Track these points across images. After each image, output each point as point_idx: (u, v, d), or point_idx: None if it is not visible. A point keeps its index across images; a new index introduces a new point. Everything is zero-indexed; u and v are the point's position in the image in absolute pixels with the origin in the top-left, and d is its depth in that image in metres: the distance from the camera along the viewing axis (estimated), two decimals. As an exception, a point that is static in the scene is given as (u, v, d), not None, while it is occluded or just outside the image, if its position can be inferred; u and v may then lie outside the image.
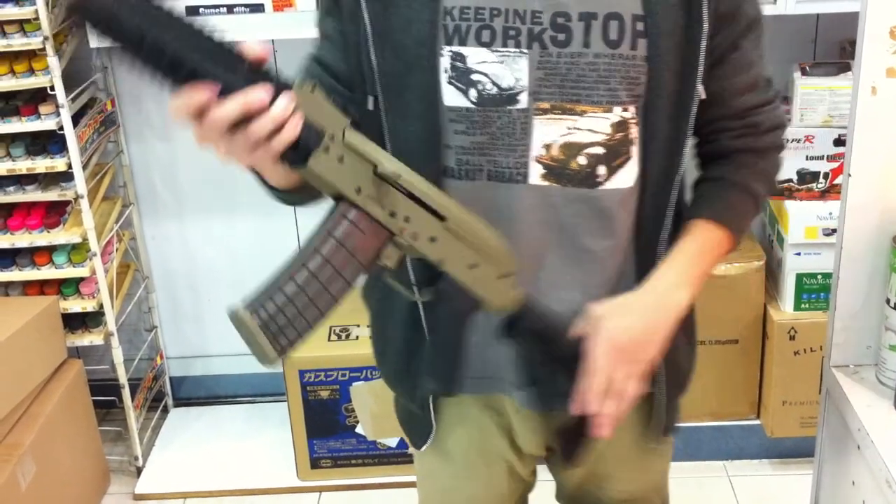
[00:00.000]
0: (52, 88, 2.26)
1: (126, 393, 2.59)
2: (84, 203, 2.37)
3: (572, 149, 1.13)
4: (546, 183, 1.14)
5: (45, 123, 2.31)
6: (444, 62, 1.11)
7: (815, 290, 2.48)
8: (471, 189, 1.15)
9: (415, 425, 1.35)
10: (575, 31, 1.10)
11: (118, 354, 2.55)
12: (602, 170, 1.14)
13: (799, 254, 2.46)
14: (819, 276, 2.45)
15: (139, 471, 2.69)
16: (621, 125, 1.13)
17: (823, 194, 2.46)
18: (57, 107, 2.30)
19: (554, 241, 1.17)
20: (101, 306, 2.49)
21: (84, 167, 2.38)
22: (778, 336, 2.49)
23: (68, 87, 2.30)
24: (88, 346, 2.57)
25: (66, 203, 2.45)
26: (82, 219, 2.40)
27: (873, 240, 1.38)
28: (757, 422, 2.65)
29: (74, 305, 2.48)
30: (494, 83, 1.12)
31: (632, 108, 1.13)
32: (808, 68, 2.42)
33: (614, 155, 1.14)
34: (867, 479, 1.33)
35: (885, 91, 1.31)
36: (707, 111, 1.18)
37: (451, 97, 1.13)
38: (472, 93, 1.12)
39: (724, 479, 2.63)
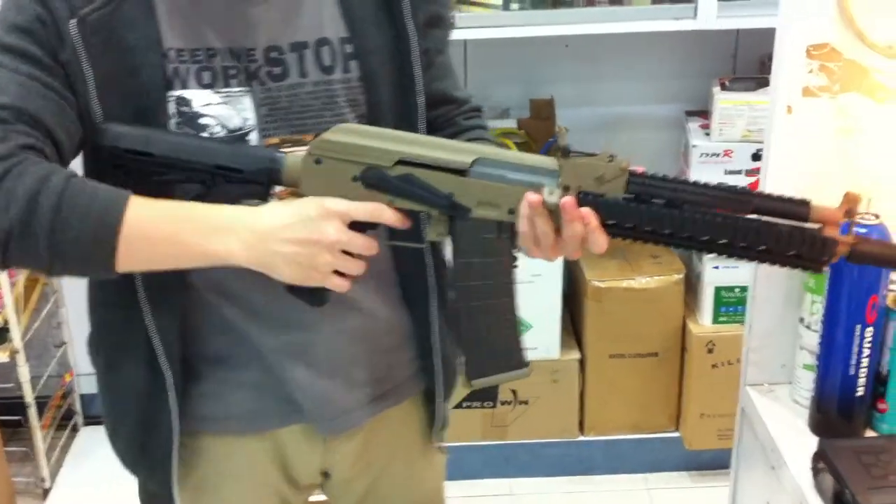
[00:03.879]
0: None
1: (33, 412, 2.50)
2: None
3: None
4: None
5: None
6: (171, 107, 1.07)
7: (733, 304, 2.50)
8: None
9: None
10: (289, 63, 1.11)
11: (24, 372, 2.45)
12: None
13: (717, 267, 2.47)
14: (737, 290, 2.47)
15: (46, 492, 2.60)
16: None
17: (741, 208, 2.48)
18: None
19: None
20: (7, 322, 2.40)
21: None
22: (696, 349, 2.50)
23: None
24: (-7, 363, 2.47)
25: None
26: (-14, 230, 2.30)
27: (788, 258, 1.38)
28: (676, 434, 2.67)
29: (-22, 322, 2.38)
30: (223, 125, 1.09)
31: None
32: (727, 83, 2.44)
33: None
34: (781, 499, 1.33)
35: (800, 110, 1.31)
36: (435, 111, 1.21)
37: None
38: (204, 137, 1.09)
39: (643, 492, 2.64)
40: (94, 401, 2.87)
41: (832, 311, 1.27)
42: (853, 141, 1.32)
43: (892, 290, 1.28)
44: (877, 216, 1.24)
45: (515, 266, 1.07)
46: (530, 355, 2.69)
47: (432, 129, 1.22)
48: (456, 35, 2.21)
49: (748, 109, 2.37)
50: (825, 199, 1.31)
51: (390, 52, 1.14)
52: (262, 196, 1.07)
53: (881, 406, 1.30)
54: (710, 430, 2.57)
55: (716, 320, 2.51)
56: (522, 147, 2.46)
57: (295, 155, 1.06)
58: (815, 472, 1.22)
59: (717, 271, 2.48)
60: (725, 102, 2.40)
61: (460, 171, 1.03)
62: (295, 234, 1.00)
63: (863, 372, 1.27)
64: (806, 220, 0.99)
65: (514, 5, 2.29)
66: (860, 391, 1.28)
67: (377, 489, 1.34)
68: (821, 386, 1.31)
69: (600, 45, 2.51)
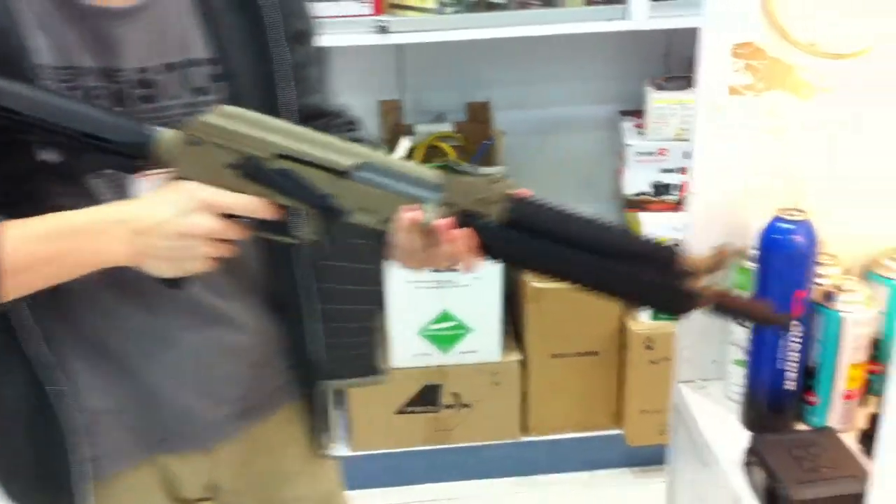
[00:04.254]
0: None
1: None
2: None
3: None
4: None
5: None
6: None
7: (671, 301, 2.52)
8: None
9: None
10: (161, 84, 1.08)
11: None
12: None
13: (654, 265, 2.49)
14: (674, 287, 2.49)
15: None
16: None
17: (677, 205, 2.51)
18: None
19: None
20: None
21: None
22: (636, 347, 2.52)
23: None
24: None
25: None
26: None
27: (717, 255, 1.39)
28: (618, 431, 2.69)
29: None
30: None
31: None
32: (660, 82, 2.46)
33: None
34: (715, 496, 1.34)
35: (726, 109, 1.32)
36: (309, 124, 1.18)
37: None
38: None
39: (587, 490, 2.65)
40: None
41: (760, 306, 1.29)
42: (779, 138, 1.34)
43: (819, 285, 1.29)
44: (803, 212, 1.25)
45: (382, 274, 1.05)
46: (471, 358, 2.70)
47: None
48: (391, 40, 2.25)
49: (681, 108, 2.40)
50: (753, 198, 1.34)
51: (257, 74, 1.12)
52: (130, 170, 1.04)
53: (811, 399, 1.32)
54: (651, 426, 2.59)
55: (654, 317, 2.53)
56: (459, 150, 2.46)
57: (171, 132, 1.02)
58: (747, 466, 1.24)
59: (655, 269, 2.49)
60: (658, 102, 2.43)
61: (342, 173, 1.00)
62: (171, 228, 0.98)
63: (792, 366, 1.29)
64: (677, 268, 1.00)
65: (449, 9, 2.29)
66: (790, 385, 1.30)
67: (270, 500, 1.33)
68: (751, 381, 1.32)
69: (535, 47, 2.52)
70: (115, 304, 1.12)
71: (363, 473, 2.63)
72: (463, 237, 0.98)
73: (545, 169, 2.68)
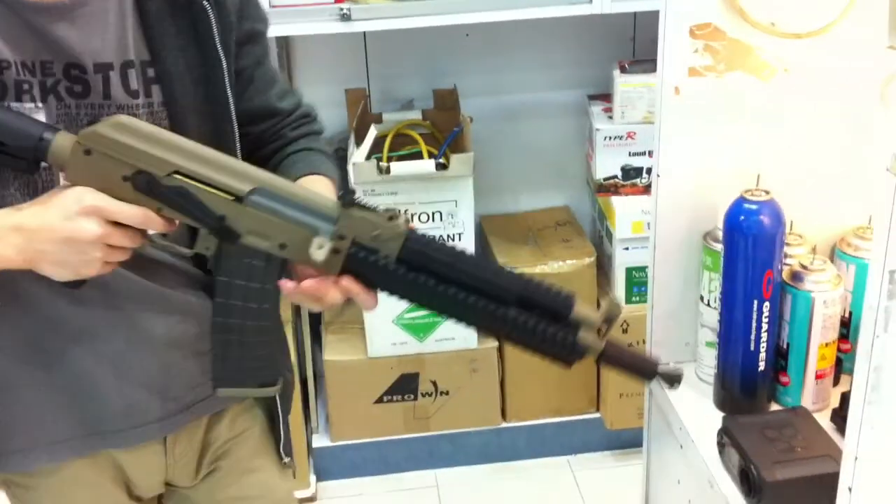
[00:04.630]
0: None
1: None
2: None
3: None
4: None
5: None
6: None
7: (645, 283, 2.51)
8: None
9: None
10: (92, 83, 1.06)
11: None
12: None
13: (627, 248, 2.49)
14: (647, 269, 2.49)
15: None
16: None
17: (647, 189, 2.51)
18: None
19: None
20: None
21: None
22: (612, 330, 2.51)
23: None
24: None
25: None
26: None
27: (685, 238, 1.39)
28: (597, 415, 2.69)
29: None
30: None
31: None
32: (626, 66, 2.46)
33: None
34: (691, 478, 1.34)
35: (687, 91, 1.32)
36: (261, 125, 1.21)
37: None
38: None
39: (568, 474, 2.65)
40: None
41: (729, 287, 1.29)
42: (742, 119, 1.34)
43: (787, 265, 1.29)
44: (767, 192, 1.25)
45: (278, 294, 1.06)
46: (448, 346, 2.68)
47: (260, 145, 1.21)
48: (354, 28, 2.23)
49: (648, 91, 2.39)
50: (718, 180, 1.34)
51: (196, 78, 1.10)
52: (29, 172, 1.03)
53: (783, 379, 1.32)
54: (630, 409, 2.59)
55: (629, 300, 2.53)
56: (428, 138, 2.44)
57: (66, 137, 1.01)
58: (721, 448, 1.24)
59: (627, 252, 2.49)
60: (626, 85, 2.42)
61: (237, 198, 1.01)
62: (57, 233, 0.97)
63: (763, 346, 1.29)
64: (567, 317, 1.02)
65: (412, -5, 2.27)
66: (762, 366, 1.30)
67: (225, 499, 1.32)
68: (723, 362, 1.33)
69: (500, 32, 2.51)
70: (47, 297, 1.10)
71: (343, 463, 2.63)
72: (348, 286, 1.01)
73: (515, 155, 2.67)
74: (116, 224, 0.99)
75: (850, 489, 0.87)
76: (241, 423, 1.30)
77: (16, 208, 1.01)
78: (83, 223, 0.97)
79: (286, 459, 1.33)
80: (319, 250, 0.99)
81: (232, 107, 1.13)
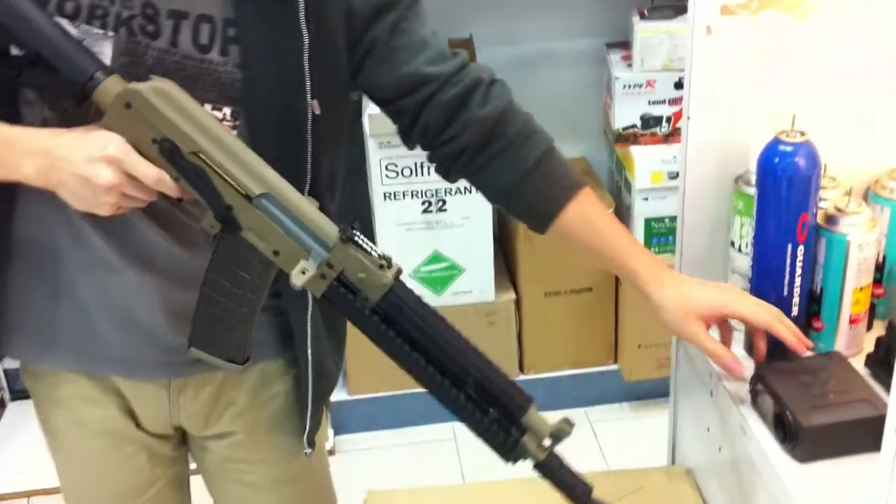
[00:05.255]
0: None
1: (-45, 389, 2.42)
2: None
3: None
4: None
5: None
6: None
7: (664, 234, 2.50)
8: None
9: None
10: (163, 27, 1.05)
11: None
12: None
13: (646, 199, 2.47)
14: (666, 220, 2.47)
15: (-25, 470, 2.52)
16: None
17: (667, 138, 2.48)
18: None
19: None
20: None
21: None
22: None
23: None
24: None
25: None
26: None
27: (715, 183, 1.37)
28: (615, 367, 2.68)
29: None
30: None
31: (226, 109, 1.08)
32: (646, 12, 2.41)
33: None
34: (721, 425, 1.32)
35: (720, 31, 1.29)
36: (414, 95, 1.15)
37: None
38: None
39: (585, 426, 2.65)
40: (19, 376, 2.78)
41: (762, 232, 1.26)
42: (775, 59, 1.30)
43: (821, 208, 1.27)
44: (803, 133, 1.22)
45: (264, 291, 1.09)
46: (465, 299, 2.68)
47: (420, 115, 1.16)
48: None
49: (668, 38, 2.36)
50: (751, 122, 1.31)
51: (278, 48, 1.07)
52: (77, 102, 1.04)
53: (816, 325, 1.30)
54: (648, 360, 2.58)
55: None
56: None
57: (115, 83, 1.01)
58: (754, 395, 1.22)
59: (647, 203, 2.47)
60: (645, 32, 2.38)
61: (245, 196, 1.02)
62: (76, 171, 0.98)
63: (796, 291, 1.27)
64: (520, 419, 1.06)
65: (427, -57, 2.23)
66: (794, 311, 1.28)
67: (230, 460, 1.32)
68: (755, 308, 1.30)
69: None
70: (71, 218, 1.11)
71: (360, 416, 2.63)
72: None
73: (530, 105, 2.58)
74: (133, 177, 1.00)
75: (896, 432, 0.85)
76: (265, 394, 1.28)
77: (52, 132, 1.02)
78: (102, 169, 0.98)
79: (307, 451, 1.30)
80: (301, 275, 1.02)
81: (308, 84, 1.08)
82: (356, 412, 2.62)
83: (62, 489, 1.36)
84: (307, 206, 1.04)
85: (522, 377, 2.64)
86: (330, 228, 1.03)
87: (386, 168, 2.36)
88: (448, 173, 1.22)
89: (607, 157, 2.72)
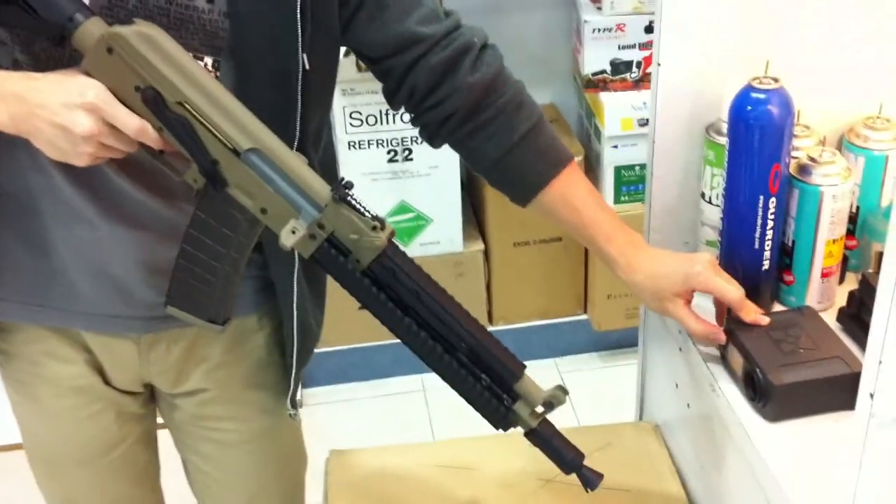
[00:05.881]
0: None
1: None
2: None
3: None
4: None
5: None
6: None
7: (634, 182, 2.46)
8: None
9: None
10: None
11: None
12: None
13: (616, 146, 2.42)
14: (637, 168, 2.43)
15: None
16: None
17: (637, 84, 2.42)
18: None
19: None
20: None
21: None
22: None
23: None
24: None
25: None
26: None
27: (686, 131, 1.32)
28: (584, 317, 2.66)
29: None
30: None
31: (207, 59, 1.03)
32: (615, -47, 2.35)
33: None
34: (690, 381, 1.29)
35: (690, -27, 1.23)
36: (403, 55, 1.12)
37: None
38: None
39: (555, 376, 2.63)
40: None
41: (733, 183, 1.22)
42: (748, 3, 1.25)
43: (794, 158, 1.23)
44: (776, 80, 1.17)
45: (247, 249, 1.05)
46: (433, 249, 2.64)
47: (408, 76, 1.13)
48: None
49: (639, -21, 2.29)
50: (723, 67, 1.26)
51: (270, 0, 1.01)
52: (57, 45, 0.98)
53: (787, 278, 1.27)
54: (618, 310, 2.56)
55: (617, 200, 2.47)
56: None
57: (96, 25, 0.96)
58: (724, 350, 1.19)
59: (616, 151, 2.42)
60: (615, -27, 2.32)
61: (233, 150, 0.97)
62: (53, 118, 0.93)
63: (768, 244, 1.23)
64: (512, 386, 1.04)
65: None
66: (766, 265, 1.24)
67: (211, 424, 1.29)
68: (725, 261, 1.26)
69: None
70: (43, 167, 1.07)
71: (329, 368, 2.60)
72: None
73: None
74: (113, 127, 0.95)
75: (871, 395, 0.81)
76: (240, 350, 1.24)
77: (26, 75, 0.96)
78: (80, 117, 0.93)
79: (291, 412, 1.29)
80: (291, 235, 0.98)
81: (300, 40, 1.02)
82: (325, 364, 2.59)
83: (25, 446, 1.32)
84: (298, 164, 0.99)
85: (492, 328, 2.61)
86: (321, 187, 0.99)
87: (350, 116, 2.30)
88: (432, 139, 1.19)
89: (577, 104, 2.66)
